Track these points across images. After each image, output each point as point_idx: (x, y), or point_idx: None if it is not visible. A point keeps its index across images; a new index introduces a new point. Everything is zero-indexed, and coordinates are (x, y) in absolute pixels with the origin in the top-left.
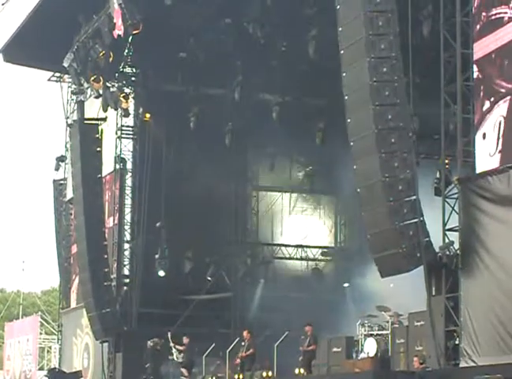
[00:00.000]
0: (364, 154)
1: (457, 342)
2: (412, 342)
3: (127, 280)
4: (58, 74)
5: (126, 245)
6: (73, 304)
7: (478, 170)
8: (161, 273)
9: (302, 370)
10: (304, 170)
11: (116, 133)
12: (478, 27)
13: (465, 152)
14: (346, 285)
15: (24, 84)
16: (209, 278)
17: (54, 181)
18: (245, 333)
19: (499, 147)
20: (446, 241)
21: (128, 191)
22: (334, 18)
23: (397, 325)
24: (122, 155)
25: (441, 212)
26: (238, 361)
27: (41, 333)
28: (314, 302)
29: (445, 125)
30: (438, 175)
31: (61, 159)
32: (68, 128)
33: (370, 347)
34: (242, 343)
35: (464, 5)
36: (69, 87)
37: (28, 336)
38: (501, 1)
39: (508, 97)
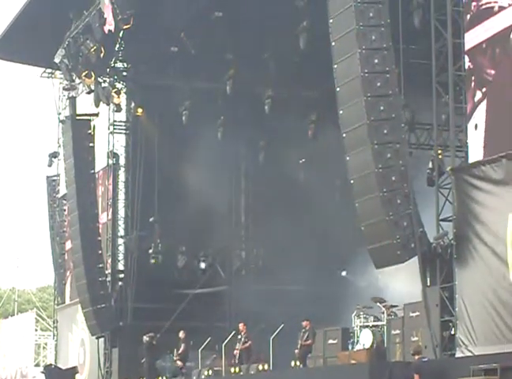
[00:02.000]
0: (357, 145)
1: (452, 332)
2: (407, 333)
3: (122, 275)
4: (49, 70)
5: (120, 241)
6: (68, 300)
7: (471, 160)
8: (152, 261)
9: (298, 362)
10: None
11: (108, 129)
12: (468, 17)
13: (458, 142)
14: (344, 273)
15: (15, 81)
16: (203, 268)
17: (47, 177)
18: (241, 326)
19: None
20: (440, 231)
21: (121, 186)
22: (325, 10)
23: (392, 316)
24: (114, 151)
25: (434, 203)
26: (236, 353)
27: (36, 330)
28: (309, 294)
29: (437, 116)
30: (430, 165)
31: (53, 155)
32: (60, 124)
33: (365, 339)
34: (239, 337)
35: None
36: (60, 83)
37: (23, 333)
38: None
39: None
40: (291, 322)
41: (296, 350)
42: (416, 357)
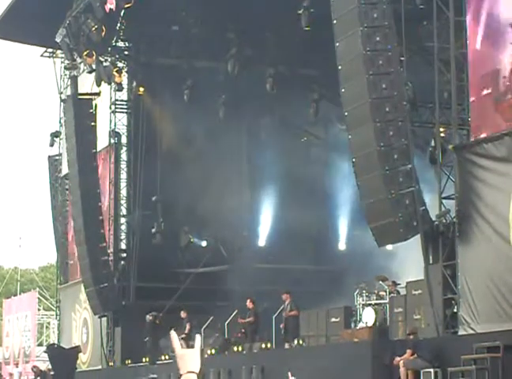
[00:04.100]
0: (359, 123)
1: (455, 310)
2: (410, 311)
3: (124, 255)
4: (50, 50)
5: (123, 220)
6: (71, 279)
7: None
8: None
9: (301, 341)
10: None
11: (110, 108)
12: None
13: (460, 120)
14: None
15: (16, 61)
16: (203, 246)
17: (49, 157)
18: (248, 302)
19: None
20: (443, 209)
21: (123, 165)
22: None
23: (394, 294)
24: (116, 130)
25: (437, 181)
26: (243, 330)
27: (39, 309)
28: (311, 272)
29: (439, 94)
30: (433, 143)
31: (55, 134)
32: (62, 103)
33: (368, 317)
34: (248, 313)
35: None
36: (62, 62)
37: (26, 312)
38: None
39: None
40: (293, 301)
41: (282, 325)
42: (411, 337)
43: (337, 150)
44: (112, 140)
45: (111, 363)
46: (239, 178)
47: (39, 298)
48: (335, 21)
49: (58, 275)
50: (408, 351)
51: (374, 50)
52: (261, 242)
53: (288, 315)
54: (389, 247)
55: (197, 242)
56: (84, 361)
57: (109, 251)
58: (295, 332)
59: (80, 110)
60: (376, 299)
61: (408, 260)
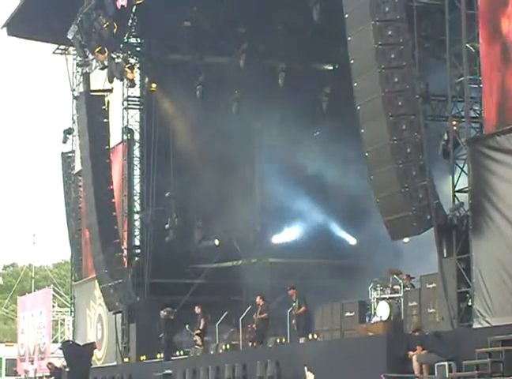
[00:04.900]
0: (372, 117)
1: (469, 303)
2: (424, 304)
3: (138, 251)
4: (62, 47)
5: (136, 216)
6: (85, 276)
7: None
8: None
9: (315, 335)
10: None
11: (123, 104)
12: None
13: (473, 113)
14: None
15: (29, 58)
16: (217, 243)
17: (63, 153)
18: (258, 299)
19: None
20: (456, 202)
21: (136, 162)
22: None
23: (408, 288)
24: (129, 126)
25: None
26: (254, 325)
27: (54, 306)
28: (325, 267)
29: (451, 87)
30: (446, 137)
31: (68, 131)
32: (74, 100)
33: (382, 311)
34: (259, 310)
35: None
36: (74, 59)
37: (41, 309)
38: None
39: None
40: (307, 295)
41: (293, 321)
42: (417, 333)
43: (350, 144)
44: (125, 137)
45: (125, 359)
46: (251, 172)
47: (53, 295)
48: (347, 15)
49: (72, 271)
50: (419, 347)
51: (386, 43)
52: (275, 236)
53: (297, 312)
54: (403, 240)
55: (209, 242)
56: (99, 357)
57: (123, 247)
58: (307, 326)
59: (92, 107)
60: (390, 293)
61: (422, 254)
